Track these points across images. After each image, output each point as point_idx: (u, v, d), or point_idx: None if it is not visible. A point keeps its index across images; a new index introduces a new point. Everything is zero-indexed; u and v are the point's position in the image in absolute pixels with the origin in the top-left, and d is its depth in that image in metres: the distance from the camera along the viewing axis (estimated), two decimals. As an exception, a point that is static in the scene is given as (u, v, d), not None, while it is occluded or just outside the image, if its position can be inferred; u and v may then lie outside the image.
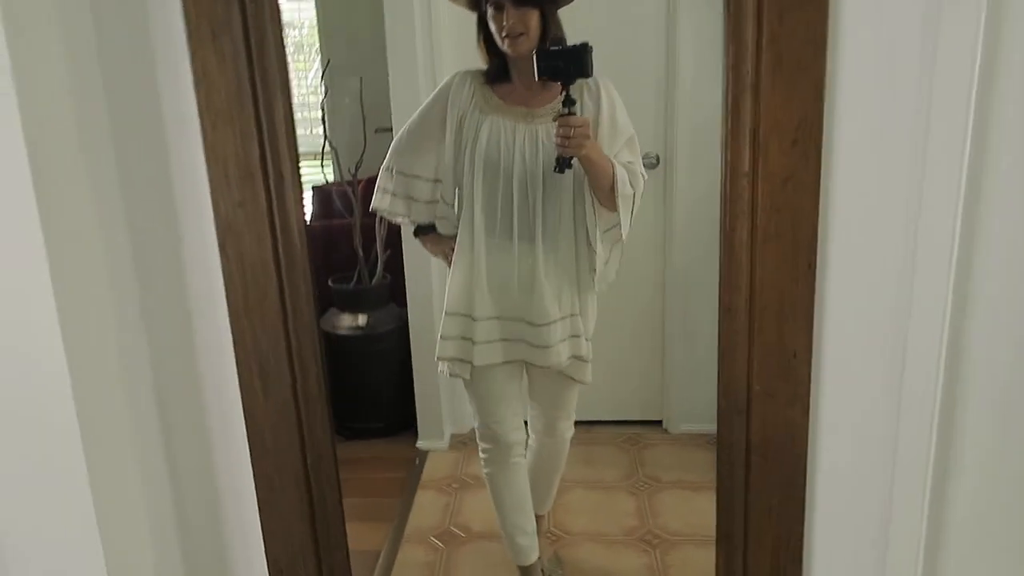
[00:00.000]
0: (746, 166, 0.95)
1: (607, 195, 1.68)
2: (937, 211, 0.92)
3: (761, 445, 1.04)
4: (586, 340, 1.84)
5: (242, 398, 1.07)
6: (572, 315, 1.80)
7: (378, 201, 1.91)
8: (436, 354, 1.85)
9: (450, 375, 1.85)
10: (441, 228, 1.88)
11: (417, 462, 2.96)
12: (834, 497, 1.04)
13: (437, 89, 1.80)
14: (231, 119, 0.99)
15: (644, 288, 3.00)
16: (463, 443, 3.06)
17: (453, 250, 1.81)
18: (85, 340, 0.93)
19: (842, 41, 0.89)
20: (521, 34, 1.62)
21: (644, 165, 2.80)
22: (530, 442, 2.11)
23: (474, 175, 1.73)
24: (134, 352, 1.05)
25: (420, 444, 3.04)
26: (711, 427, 3.00)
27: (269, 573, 1.13)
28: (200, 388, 1.09)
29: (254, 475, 1.09)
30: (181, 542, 1.12)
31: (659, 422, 3.14)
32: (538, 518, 2.16)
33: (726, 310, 1.01)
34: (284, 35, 1.02)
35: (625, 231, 1.74)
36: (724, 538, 1.10)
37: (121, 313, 1.02)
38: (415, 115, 1.84)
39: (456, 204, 1.82)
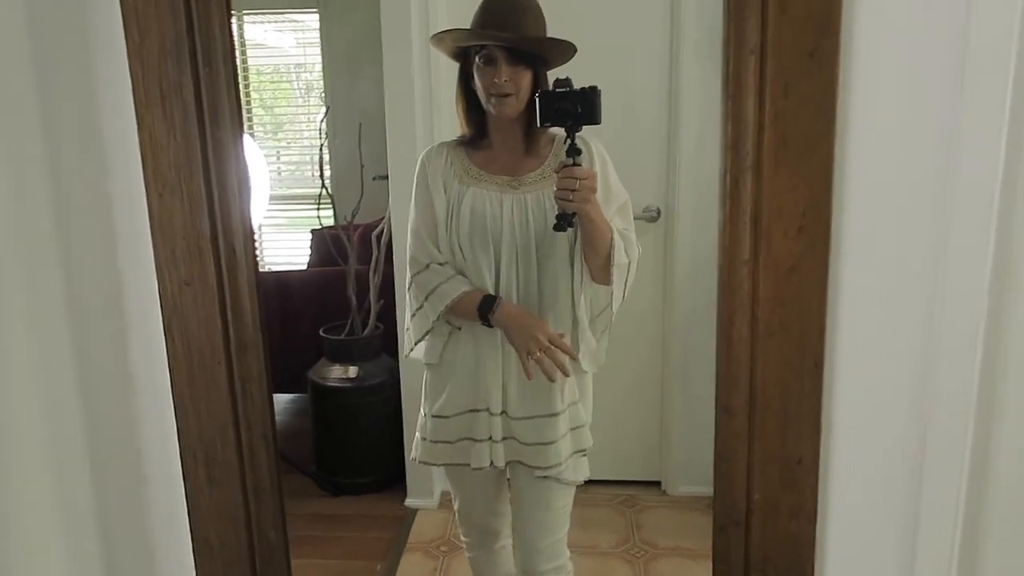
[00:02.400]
0: (746, 254, 0.84)
1: (602, 264, 1.48)
2: (960, 309, 0.80)
3: (761, 561, 0.91)
4: (588, 428, 1.64)
5: (186, 489, 0.95)
6: (573, 403, 1.60)
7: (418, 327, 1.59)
8: (417, 456, 1.66)
9: (425, 463, 1.67)
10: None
11: (405, 521, 2.82)
12: (844, 624, 0.91)
13: (417, 172, 1.60)
14: (179, 189, 0.89)
15: (643, 344, 2.88)
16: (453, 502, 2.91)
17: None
18: (13, 427, 0.82)
19: (853, 117, 0.79)
20: (510, 94, 1.45)
21: (644, 218, 2.74)
22: None
23: (462, 251, 1.53)
24: (69, 439, 0.94)
25: (408, 502, 2.90)
26: (711, 489, 2.90)
27: None
28: (142, 478, 0.97)
29: (196, 579, 0.97)
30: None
31: (658, 483, 2.99)
32: None
33: (724, 411, 0.89)
34: (243, 99, 0.92)
35: (616, 306, 1.57)
36: (720, 666, 0.97)
37: (57, 396, 0.91)
38: (413, 210, 1.61)
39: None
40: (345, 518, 2.83)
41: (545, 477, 1.60)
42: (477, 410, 1.57)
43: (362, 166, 3.22)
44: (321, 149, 3.30)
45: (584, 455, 1.65)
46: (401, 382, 2.85)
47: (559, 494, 1.66)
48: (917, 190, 0.80)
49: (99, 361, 0.95)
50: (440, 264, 1.56)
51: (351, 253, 3.06)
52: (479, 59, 1.47)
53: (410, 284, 1.60)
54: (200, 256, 0.90)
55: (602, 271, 1.49)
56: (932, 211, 0.80)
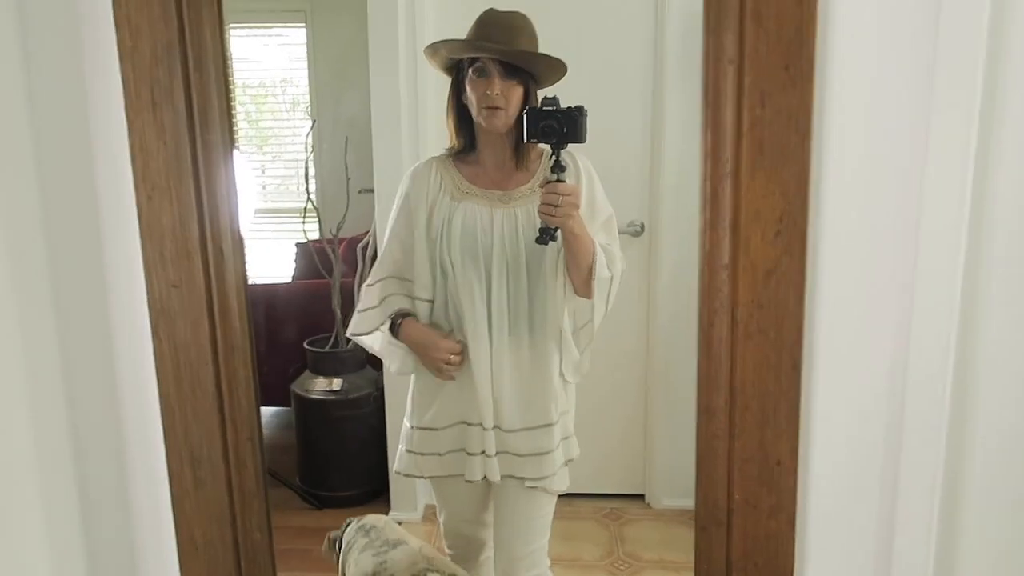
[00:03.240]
0: (726, 258, 0.86)
1: (584, 278, 1.50)
2: (932, 311, 0.83)
3: (742, 560, 0.93)
4: (574, 438, 1.66)
5: (171, 491, 0.95)
6: (564, 413, 1.62)
7: (360, 324, 1.65)
8: (402, 469, 1.66)
9: (408, 475, 1.67)
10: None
11: (388, 534, 2.79)
12: (823, 622, 0.93)
13: (400, 189, 1.62)
14: (168, 192, 0.90)
15: (627, 357, 2.90)
16: (437, 515, 2.90)
17: (455, 355, 1.55)
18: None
19: (828, 126, 0.82)
20: (501, 108, 1.47)
21: (629, 233, 2.77)
22: None
23: (453, 268, 1.54)
24: (54, 439, 0.94)
25: (392, 515, 2.88)
26: (694, 503, 2.91)
27: None
28: (126, 478, 0.97)
29: (181, 581, 0.97)
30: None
31: (641, 496, 3.00)
32: None
33: (704, 411, 0.91)
34: (233, 103, 0.93)
35: (598, 320, 1.58)
36: (701, 664, 0.98)
37: (42, 396, 0.92)
38: (392, 224, 1.63)
39: (432, 301, 1.60)
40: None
41: (534, 487, 1.60)
42: (469, 423, 1.57)
43: (348, 179, 3.24)
44: (307, 162, 3.31)
45: (569, 464, 1.66)
46: (385, 395, 2.85)
47: (545, 503, 1.67)
48: (890, 196, 0.83)
49: (85, 362, 0.95)
50: (404, 280, 1.60)
51: (336, 266, 3.06)
52: (472, 71, 1.49)
53: (370, 285, 1.64)
54: (188, 258, 0.91)
55: (584, 285, 1.51)
56: (905, 215, 0.82)
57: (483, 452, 1.57)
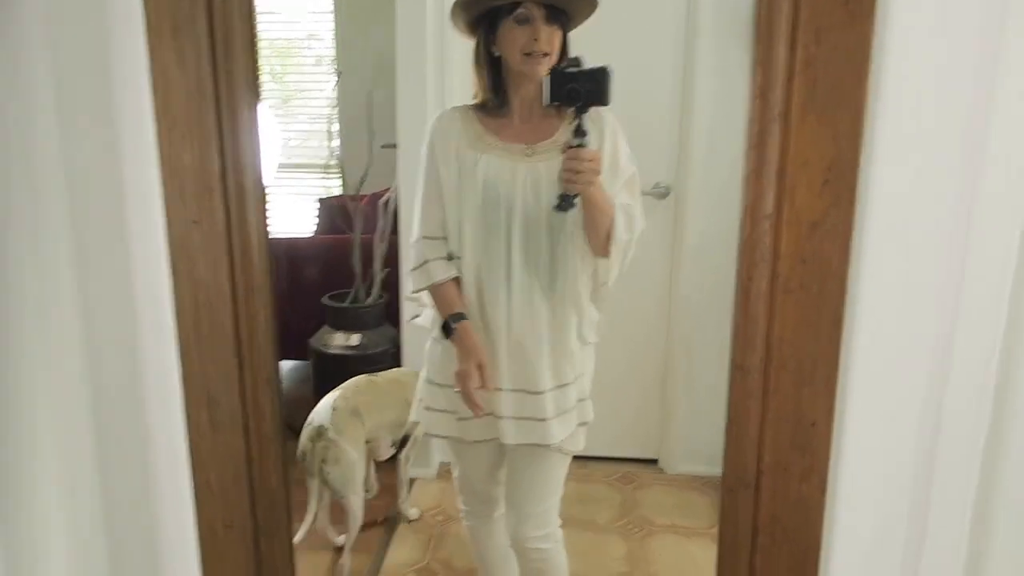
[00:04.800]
0: (769, 208, 0.81)
1: (602, 241, 1.47)
2: (984, 276, 0.78)
3: (770, 525, 0.89)
4: (590, 401, 1.62)
5: (188, 433, 0.93)
6: (581, 375, 1.58)
7: (416, 281, 1.57)
8: (418, 419, 1.66)
9: (433, 435, 1.65)
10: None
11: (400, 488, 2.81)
12: (851, 588, 0.90)
13: (426, 141, 1.57)
14: (190, 126, 0.86)
15: (647, 321, 2.86)
16: (451, 472, 2.90)
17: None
18: (16, 366, 0.80)
19: (887, 68, 0.76)
20: (547, 53, 1.43)
21: (654, 195, 2.71)
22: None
23: (474, 222, 1.50)
24: (71, 378, 0.92)
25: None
26: (709, 469, 2.88)
27: (207, 635, 0.99)
28: (144, 421, 0.95)
29: (197, 522, 0.96)
30: (112, 593, 0.98)
31: (655, 461, 2.98)
32: None
33: (738, 369, 0.87)
34: (257, 35, 0.89)
35: (612, 280, 1.54)
36: (723, 627, 0.96)
37: (60, 335, 0.89)
38: (424, 180, 1.57)
39: (460, 257, 1.54)
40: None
41: (547, 447, 1.58)
42: (495, 387, 1.53)
43: (371, 134, 3.19)
44: (331, 117, 3.26)
45: (585, 426, 1.63)
46: (402, 351, 2.84)
47: (558, 463, 1.65)
48: (950, 148, 0.77)
49: (104, 299, 0.92)
50: (437, 239, 1.55)
51: (357, 222, 3.03)
52: (512, 19, 1.43)
53: (413, 244, 1.59)
54: (209, 195, 0.88)
55: (602, 246, 1.48)
56: (963, 169, 0.77)
57: (499, 414, 1.54)
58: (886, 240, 0.81)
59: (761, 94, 0.78)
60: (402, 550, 2.48)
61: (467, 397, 1.49)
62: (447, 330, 1.52)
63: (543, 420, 1.53)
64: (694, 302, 2.76)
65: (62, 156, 0.89)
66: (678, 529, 2.59)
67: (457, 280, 1.53)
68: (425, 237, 1.56)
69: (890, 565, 0.88)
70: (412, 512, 2.58)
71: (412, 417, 1.72)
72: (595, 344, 1.63)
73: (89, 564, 0.95)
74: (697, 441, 2.85)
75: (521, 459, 1.64)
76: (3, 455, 0.83)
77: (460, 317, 1.51)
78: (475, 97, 1.58)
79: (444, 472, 2.92)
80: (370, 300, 2.98)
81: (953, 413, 0.83)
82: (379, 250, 2.98)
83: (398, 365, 2.87)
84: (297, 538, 2.05)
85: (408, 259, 1.63)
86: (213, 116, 0.86)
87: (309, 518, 2.11)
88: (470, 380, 1.48)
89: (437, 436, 1.66)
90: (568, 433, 1.56)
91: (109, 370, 0.94)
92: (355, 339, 2.90)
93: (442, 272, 1.53)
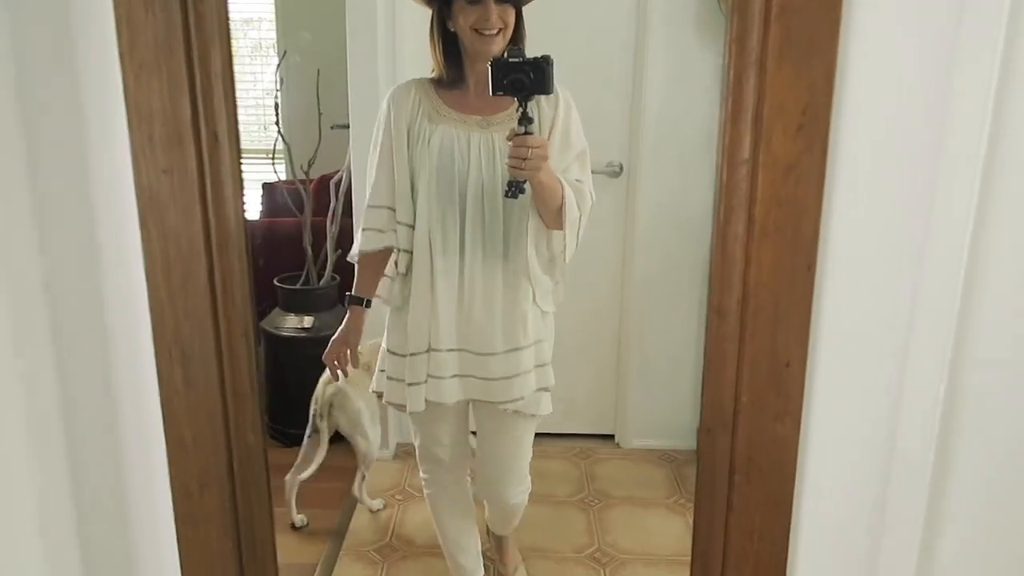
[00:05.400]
0: (746, 152, 0.83)
1: (553, 216, 1.51)
2: (950, 214, 0.82)
3: (746, 462, 0.92)
4: (550, 367, 1.66)
5: (160, 390, 0.90)
6: (538, 341, 1.62)
7: (365, 242, 1.61)
8: (379, 390, 1.70)
9: (403, 408, 1.64)
10: (402, 263, 1.60)
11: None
12: (823, 521, 0.93)
13: (380, 111, 1.59)
14: (158, 69, 0.83)
15: (601, 298, 2.90)
16: (408, 453, 2.88)
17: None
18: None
19: (859, 17, 0.79)
20: (500, 30, 1.46)
21: (607, 173, 2.74)
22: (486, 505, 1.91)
23: (427, 191, 1.52)
24: (34, 335, 0.88)
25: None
26: (663, 443, 2.95)
27: (182, 596, 0.97)
28: (112, 380, 0.92)
29: (171, 481, 0.93)
30: (83, 557, 0.94)
31: (611, 436, 3.03)
32: (500, 538, 2.05)
33: (715, 312, 0.89)
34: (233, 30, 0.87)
35: (570, 254, 1.58)
36: (700, 560, 0.98)
37: (20, 290, 0.85)
38: (374, 148, 1.61)
39: (412, 226, 1.57)
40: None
41: (509, 411, 1.62)
42: (437, 349, 1.56)
43: (320, 114, 3.13)
44: (277, 99, 3.18)
45: (547, 392, 1.66)
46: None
47: (524, 426, 1.70)
48: (917, 93, 0.81)
49: (67, 254, 0.88)
50: (381, 207, 1.58)
51: (307, 203, 2.98)
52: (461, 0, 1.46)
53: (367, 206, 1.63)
54: (180, 143, 0.85)
55: (554, 221, 1.53)
56: (931, 114, 0.81)
57: (454, 375, 1.58)
58: (858, 184, 0.84)
59: (738, 39, 0.80)
60: (362, 529, 2.46)
61: (331, 368, 1.75)
62: (349, 300, 1.70)
63: (490, 380, 1.58)
64: (647, 279, 2.81)
65: (19, 99, 0.85)
66: (635, 500, 2.65)
67: (386, 252, 1.59)
68: (369, 206, 1.60)
69: (861, 501, 0.92)
70: (374, 503, 2.56)
71: (373, 387, 1.72)
72: (553, 313, 1.67)
73: (58, 529, 0.91)
74: (651, 416, 2.91)
75: (486, 423, 1.69)
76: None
77: (360, 301, 1.68)
78: (432, 71, 1.60)
79: (402, 453, 2.91)
80: (322, 282, 2.94)
81: (920, 351, 0.87)
82: (331, 232, 2.94)
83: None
84: (305, 475, 2.36)
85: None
86: (183, 59, 0.83)
87: (319, 458, 2.34)
88: (341, 355, 1.72)
89: (395, 405, 1.66)
90: (523, 395, 1.59)
91: (74, 327, 0.90)
92: (308, 321, 2.85)
93: (371, 243, 1.59)
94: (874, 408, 0.90)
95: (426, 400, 1.59)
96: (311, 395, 2.89)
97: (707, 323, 0.91)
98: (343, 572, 2.25)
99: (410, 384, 1.58)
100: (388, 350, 1.64)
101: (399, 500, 2.63)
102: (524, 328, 1.57)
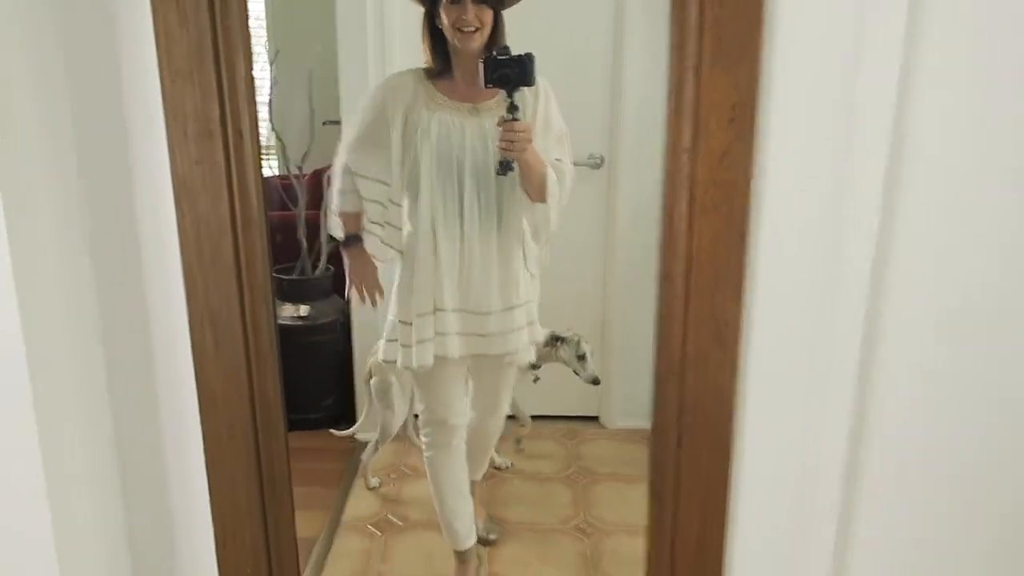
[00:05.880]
0: (687, 142, 1.01)
1: (537, 190, 1.76)
2: (860, 188, 1.00)
3: (693, 407, 1.11)
4: (537, 323, 1.94)
5: (192, 352, 1.08)
6: (528, 302, 1.87)
7: (342, 203, 1.91)
8: (389, 358, 1.90)
9: (412, 367, 1.86)
10: (385, 235, 1.86)
11: (356, 452, 2.96)
12: (759, 454, 1.11)
13: (371, 93, 1.84)
14: (191, 76, 1.01)
15: (584, 286, 3.08)
16: (401, 435, 3.06)
17: (374, 269, 1.90)
18: (34, 290, 0.93)
19: (778, 26, 0.97)
20: (476, 29, 1.68)
21: (588, 165, 2.92)
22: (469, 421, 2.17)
23: (429, 171, 1.75)
24: (83, 304, 1.05)
25: (359, 435, 3.03)
26: (645, 423, 3.11)
27: (214, 528, 1.14)
28: (151, 339, 1.10)
29: (202, 429, 1.10)
30: (125, 496, 1.12)
31: (596, 418, 3.21)
32: (473, 483, 2.24)
33: (665, 277, 1.07)
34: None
35: (554, 224, 1.84)
36: (656, 495, 1.16)
37: (73, 263, 1.03)
38: (357, 119, 1.86)
39: (407, 204, 1.83)
40: (298, 451, 2.93)
41: (505, 362, 1.91)
42: (443, 309, 1.79)
43: (312, 111, 3.29)
44: (271, 97, 3.34)
45: (536, 344, 1.97)
46: (352, 321, 2.98)
47: (514, 372, 2.05)
48: (828, 89, 0.99)
49: (112, 235, 1.06)
50: (369, 179, 1.84)
51: (301, 197, 3.14)
52: (445, 0, 1.68)
53: (342, 172, 1.89)
54: (210, 138, 1.02)
55: (538, 194, 1.78)
56: (841, 104, 0.99)
57: (456, 332, 1.82)
58: (781, 167, 1.02)
59: (677, 47, 0.98)
60: (359, 505, 2.64)
61: (359, 296, 1.97)
62: (350, 240, 1.93)
63: (488, 336, 1.83)
64: (628, 268, 2.99)
65: (72, 104, 1.02)
66: (618, 477, 2.83)
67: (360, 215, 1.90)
68: (359, 175, 1.85)
69: (791, 437, 1.11)
70: (373, 480, 2.74)
71: (381, 356, 1.92)
72: (538, 276, 1.95)
73: (103, 472, 1.08)
74: (634, 398, 3.09)
75: (487, 372, 2.00)
76: (31, 373, 0.95)
77: (356, 239, 1.93)
78: (425, 63, 1.81)
79: (396, 435, 3.08)
80: (317, 272, 3.11)
81: (840, 305, 1.05)
82: (324, 224, 3.10)
83: (347, 335, 3.01)
84: (346, 432, 2.73)
85: (334, 182, 1.94)
86: (212, 67, 1.01)
87: (361, 419, 2.68)
88: (366, 281, 1.95)
89: (405, 367, 1.87)
90: (517, 348, 1.86)
91: (118, 297, 1.08)
92: (304, 310, 3.02)
93: (352, 205, 1.90)
94: (800, 357, 1.08)
95: (434, 356, 1.82)
96: (308, 381, 3.07)
97: (658, 288, 1.09)
98: (343, 544, 2.42)
99: (418, 342, 1.80)
100: (398, 320, 1.86)
101: (394, 479, 2.81)
102: (516, 289, 1.83)
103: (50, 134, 0.99)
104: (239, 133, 1.04)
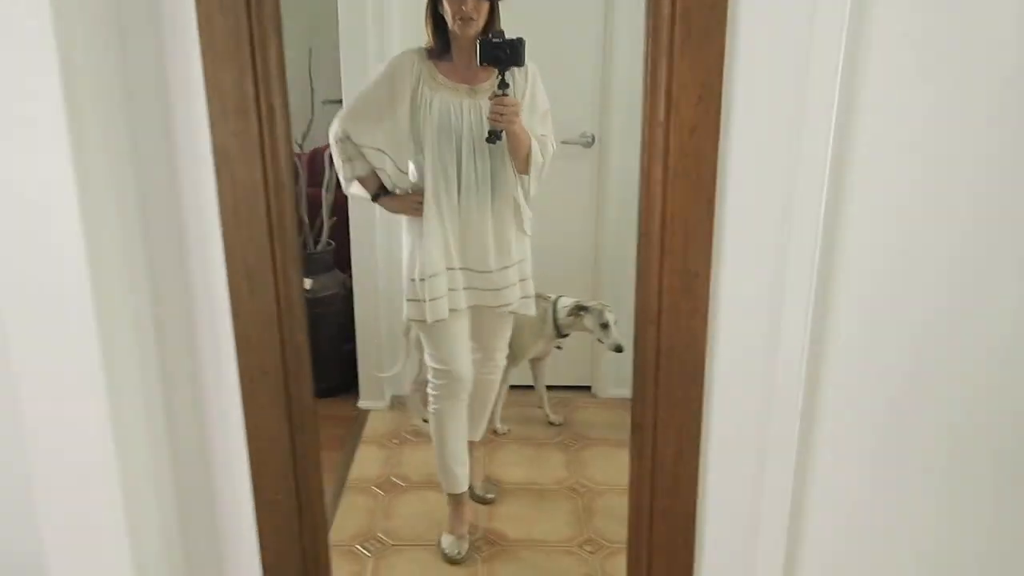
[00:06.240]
0: (661, 117, 1.19)
1: (522, 161, 2.02)
2: (813, 153, 1.18)
3: (668, 350, 1.29)
4: (530, 280, 2.20)
5: (230, 299, 1.25)
6: (521, 260, 2.14)
7: (347, 171, 2.10)
8: (411, 316, 2.12)
9: (425, 319, 2.08)
10: (398, 191, 2.12)
11: (359, 420, 3.14)
12: (726, 391, 1.30)
13: (384, 69, 2.04)
14: (229, 58, 1.17)
15: (576, 263, 3.26)
16: (402, 404, 3.25)
17: (419, 203, 2.05)
18: (99, 250, 1.10)
19: (741, 16, 1.14)
20: (473, 19, 1.92)
21: (580, 143, 3.10)
22: None
23: (431, 145, 1.98)
24: (134, 257, 1.22)
25: (361, 404, 3.23)
26: (636, 392, 3.33)
27: (249, 459, 1.32)
28: (192, 290, 1.27)
29: (238, 370, 1.28)
30: (168, 426, 1.30)
31: (588, 387, 3.41)
32: (472, 444, 2.44)
33: (643, 235, 1.25)
34: (277, -11, 1.20)
35: (533, 191, 2.11)
36: (637, 428, 1.35)
37: (126, 226, 1.20)
38: (366, 91, 2.06)
39: (412, 172, 2.07)
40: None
41: (503, 312, 2.19)
42: (449, 268, 2.05)
43: (312, 90, 3.45)
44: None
45: (532, 298, 2.23)
46: (354, 294, 3.15)
47: (510, 320, 2.31)
48: (783, 72, 1.16)
49: (159, 199, 1.23)
50: (374, 149, 2.03)
51: (302, 175, 3.31)
52: None
53: (336, 142, 2.08)
54: (245, 113, 1.19)
55: (522, 165, 2.04)
56: (797, 84, 1.16)
57: (463, 288, 2.08)
58: (743, 138, 1.20)
59: (652, 35, 1.16)
60: (363, 468, 2.82)
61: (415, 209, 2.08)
62: (378, 195, 2.12)
63: (487, 290, 2.11)
64: (618, 244, 3.17)
65: (123, 85, 1.19)
66: (609, 442, 3.03)
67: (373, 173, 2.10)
68: (362, 146, 2.04)
69: (753, 373, 1.29)
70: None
71: (404, 316, 2.17)
72: (529, 236, 2.19)
73: (151, 405, 1.26)
74: (624, 369, 3.25)
75: (488, 321, 2.24)
76: (97, 320, 1.12)
77: (385, 191, 2.12)
78: (426, 44, 2.05)
79: (396, 404, 3.27)
80: (319, 247, 3.27)
81: (793, 261, 1.23)
82: (326, 200, 3.27)
83: (349, 308, 3.18)
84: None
85: (336, 154, 2.12)
86: (248, 50, 1.17)
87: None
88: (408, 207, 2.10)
89: (416, 320, 2.11)
90: (511, 301, 2.14)
91: (164, 254, 1.25)
92: (307, 283, 3.19)
93: (362, 169, 2.09)
94: (762, 305, 1.26)
95: (443, 314, 2.07)
96: (312, 352, 3.23)
97: (637, 243, 1.27)
98: (350, 503, 2.61)
99: (431, 299, 2.04)
100: (410, 279, 2.08)
101: (396, 444, 3.00)
102: (509, 250, 2.10)
103: (106, 109, 1.16)
104: (271, 108, 1.20)
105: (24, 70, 1.02)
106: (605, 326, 2.76)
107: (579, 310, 2.78)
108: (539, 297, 2.82)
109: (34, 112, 1.03)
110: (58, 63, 1.02)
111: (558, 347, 2.94)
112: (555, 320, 2.82)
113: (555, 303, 2.84)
